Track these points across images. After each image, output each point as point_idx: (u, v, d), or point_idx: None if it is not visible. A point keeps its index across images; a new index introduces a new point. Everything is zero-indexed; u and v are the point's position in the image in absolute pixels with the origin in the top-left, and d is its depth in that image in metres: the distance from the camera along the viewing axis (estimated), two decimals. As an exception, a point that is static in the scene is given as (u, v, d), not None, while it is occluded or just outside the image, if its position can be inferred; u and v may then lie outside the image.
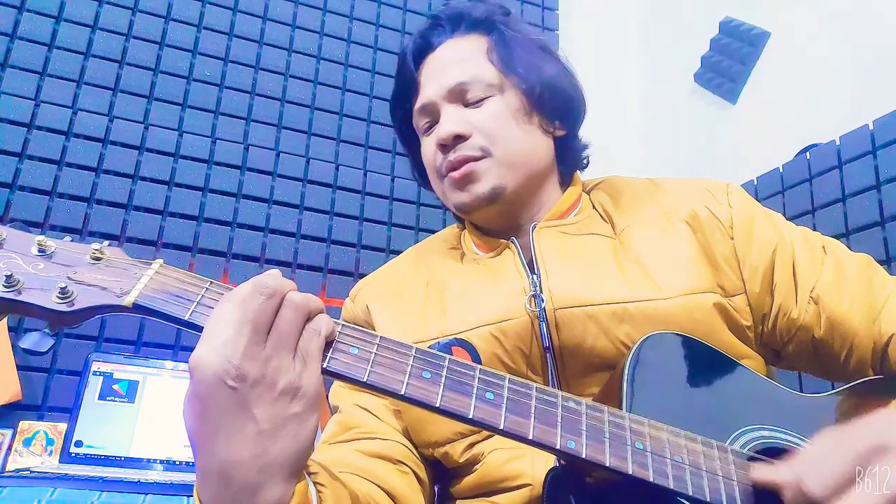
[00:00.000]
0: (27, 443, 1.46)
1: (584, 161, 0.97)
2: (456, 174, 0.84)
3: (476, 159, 0.83)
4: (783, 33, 1.92)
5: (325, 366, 0.53)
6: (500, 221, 0.88)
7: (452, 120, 0.85)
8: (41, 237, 0.54)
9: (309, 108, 2.07)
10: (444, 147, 0.85)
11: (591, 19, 2.58)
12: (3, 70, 1.74)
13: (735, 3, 2.08)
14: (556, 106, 0.89)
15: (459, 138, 0.84)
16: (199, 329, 0.52)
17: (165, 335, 1.70)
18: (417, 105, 0.91)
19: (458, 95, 0.86)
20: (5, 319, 1.48)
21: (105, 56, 1.86)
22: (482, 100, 0.86)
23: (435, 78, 0.89)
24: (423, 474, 0.80)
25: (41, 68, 1.78)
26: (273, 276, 0.52)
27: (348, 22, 2.20)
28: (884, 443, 0.51)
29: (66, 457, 1.41)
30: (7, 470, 1.41)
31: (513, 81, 0.87)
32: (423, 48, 0.92)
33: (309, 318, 0.53)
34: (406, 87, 0.93)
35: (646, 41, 2.56)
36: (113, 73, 1.85)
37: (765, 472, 0.56)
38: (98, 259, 0.55)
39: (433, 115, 0.89)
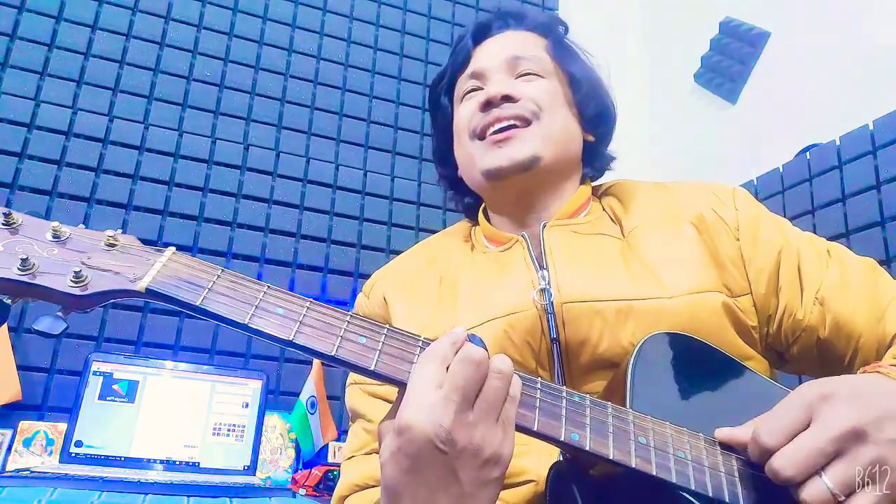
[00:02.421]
0: (27, 443, 1.46)
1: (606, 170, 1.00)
2: (499, 136, 0.85)
3: (524, 120, 0.85)
4: (783, 33, 1.93)
5: (334, 355, 0.54)
6: (518, 201, 0.89)
7: (503, 83, 0.87)
8: (56, 223, 0.55)
9: (309, 108, 2.07)
10: (489, 105, 0.86)
11: (591, 19, 2.59)
12: (3, 70, 1.74)
13: (735, 3, 2.09)
14: (593, 111, 0.93)
15: (508, 99, 0.86)
16: (212, 316, 0.53)
17: (165, 335, 1.69)
18: (468, 70, 0.93)
19: (511, 67, 0.90)
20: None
21: (105, 56, 1.86)
22: (534, 75, 0.89)
23: (490, 52, 0.92)
24: None
25: (41, 68, 1.77)
26: (476, 348, 0.54)
27: (348, 22, 2.20)
28: (827, 391, 0.54)
29: (66, 457, 1.40)
30: (7, 470, 1.41)
31: (563, 76, 0.92)
32: (485, 30, 0.96)
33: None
34: (459, 61, 0.96)
35: (646, 42, 2.56)
36: (113, 73, 1.85)
37: (726, 431, 0.59)
38: (112, 245, 0.56)
39: (481, 80, 0.91)
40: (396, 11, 2.28)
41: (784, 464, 0.51)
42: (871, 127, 1.53)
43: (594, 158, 0.95)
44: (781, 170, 1.77)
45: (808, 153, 1.70)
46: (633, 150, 2.37)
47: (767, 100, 1.94)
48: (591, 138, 0.94)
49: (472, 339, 0.56)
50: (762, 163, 1.84)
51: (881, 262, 1.33)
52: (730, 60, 2.07)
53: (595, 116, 0.93)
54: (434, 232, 1.07)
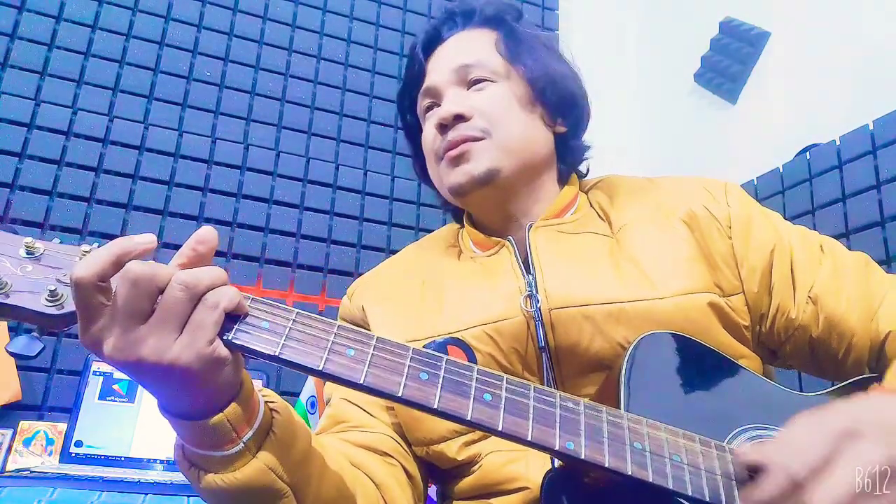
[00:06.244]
0: (27, 443, 1.46)
1: (585, 167, 0.97)
2: (453, 152, 0.84)
3: (475, 139, 0.83)
4: (783, 33, 1.92)
5: (322, 369, 0.53)
6: (495, 211, 0.88)
7: (454, 101, 0.85)
8: (29, 239, 0.52)
9: (309, 108, 2.06)
10: (444, 127, 0.85)
11: (591, 19, 2.58)
12: (3, 70, 1.74)
13: (735, 3, 2.08)
14: (560, 101, 0.89)
15: (460, 118, 0.84)
16: None
17: (165, 335, 1.69)
18: (422, 88, 0.91)
19: (462, 77, 0.87)
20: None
21: (105, 56, 1.85)
22: (485, 81, 0.87)
23: (441, 64, 0.90)
24: (413, 470, 0.79)
25: (41, 68, 1.77)
26: (135, 264, 0.50)
27: (348, 22, 2.20)
28: (854, 427, 0.52)
29: (66, 457, 1.40)
30: (7, 470, 1.41)
31: (518, 72, 0.88)
32: (434, 39, 0.94)
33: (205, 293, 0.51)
34: (414, 76, 0.94)
35: (646, 41, 2.55)
36: (113, 73, 1.85)
37: (748, 452, 0.57)
38: None
39: (436, 97, 0.89)
40: (396, 11, 2.28)
41: (825, 499, 0.49)
42: (871, 127, 1.53)
43: (566, 152, 0.92)
44: (781, 170, 1.76)
45: (808, 153, 1.70)
46: (632, 150, 2.38)
47: (767, 100, 1.94)
48: (562, 129, 0.91)
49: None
50: (762, 163, 1.84)
51: (881, 263, 1.33)
52: (730, 60, 2.06)
53: (559, 106, 0.90)
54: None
